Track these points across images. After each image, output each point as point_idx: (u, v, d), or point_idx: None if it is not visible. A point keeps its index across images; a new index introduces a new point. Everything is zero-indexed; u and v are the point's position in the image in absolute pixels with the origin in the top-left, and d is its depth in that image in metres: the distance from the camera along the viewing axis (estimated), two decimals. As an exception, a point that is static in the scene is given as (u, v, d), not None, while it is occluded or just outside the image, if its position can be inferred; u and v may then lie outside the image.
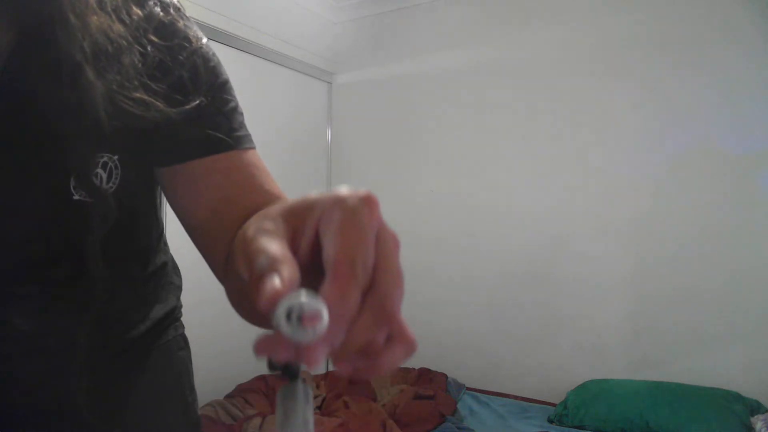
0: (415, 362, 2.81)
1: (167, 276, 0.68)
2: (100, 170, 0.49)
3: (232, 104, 0.57)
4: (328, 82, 3.26)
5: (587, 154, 2.56)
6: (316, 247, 0.29)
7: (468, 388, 2.65)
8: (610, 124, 2.50)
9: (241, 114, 0.58)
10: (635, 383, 2.27)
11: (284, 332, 0.24)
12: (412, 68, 3.01)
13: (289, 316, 0.23)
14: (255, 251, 0.27)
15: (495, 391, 2.65)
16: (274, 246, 0.27)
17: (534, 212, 2.67)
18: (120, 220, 0.50)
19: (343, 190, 0.29)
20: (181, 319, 0.71)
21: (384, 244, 0.27)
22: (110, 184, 0.50)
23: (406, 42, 3.04)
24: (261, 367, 2.62)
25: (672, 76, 2.36)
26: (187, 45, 0.53)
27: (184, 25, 0.54)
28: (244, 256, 0.28)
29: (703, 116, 2.31)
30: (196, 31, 0.56)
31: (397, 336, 0.27)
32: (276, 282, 0.25)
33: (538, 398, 2.56)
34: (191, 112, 0.52)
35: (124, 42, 0.48)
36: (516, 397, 2.57)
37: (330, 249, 0.26)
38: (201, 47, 0.55)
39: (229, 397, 2.35)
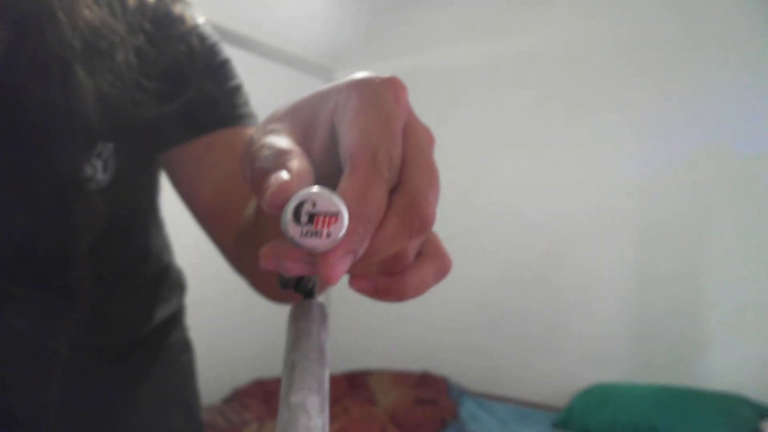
0: (415, 366, 2.78)
1: (171, 276, 0.66)
2: (95, 159, 0.47)
3: (234, 83, 0.56)
4: (328, 79, 3.23)
5: (592, 154, 2.52)
6: (333, 146, 0.23)
7: (470, 393, 2.61)
8: (614, 124, 2.47)
9: (246, 94, 0.57)
10: (642, 387, 2.24)
11: (291, 236, 0.18)
12: (413, 64, 2.98)
13: (298, 214, 0.18)
14: (257, 149, 0.22)
15: (498, 395, 2.61)
16: (279, 140, 0.22)
17: (537, 213, 2.63)
18: (119, 216, 0.49)
19: (362, 73, 0.23)
20: (185, 321, 0.70)
21: (414, 137, 0.22)
22: (106, 175, 0.49)
23: (407, 37, 3.02)
24: (259, 371, 2.59)
25: (679, 74, 2.33)
26: (182, 26, 0.52)
27: (180, 7, 0.53)
28: (247, 158, 0.23)
29: (711, 116, 2.27)
30: (191, 12, 0.54)
31: (428, 252, 0.23)
32: (283, 174, 0.20)
33: (542, 403, 2.52)
34: (189, 97, 0.51)
35: (117, 38, 0.46)
36: (519, 402, 2.53)
37: (346, 139, 0.21)
38: (197, 27, 0.54)
39: (226, 401, 2.34)
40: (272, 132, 0.23)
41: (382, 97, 0.22)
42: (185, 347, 0.69)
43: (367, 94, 0.22)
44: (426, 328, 2.83)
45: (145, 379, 0.61)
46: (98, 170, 0.48)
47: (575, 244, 2.54)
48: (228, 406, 2.25)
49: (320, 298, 0.25)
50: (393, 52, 3.06)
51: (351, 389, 2.58)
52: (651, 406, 2.09)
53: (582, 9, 2.54)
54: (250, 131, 0.54)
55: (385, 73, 0.24)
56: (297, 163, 0.20)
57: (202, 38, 0.54)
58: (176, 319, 0.67)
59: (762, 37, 2.18)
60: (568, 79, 2.57)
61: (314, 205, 0.18)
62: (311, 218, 0.18)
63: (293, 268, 0.20)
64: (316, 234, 0.18)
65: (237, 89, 0.56)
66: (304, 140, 0.24)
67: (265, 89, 2.77)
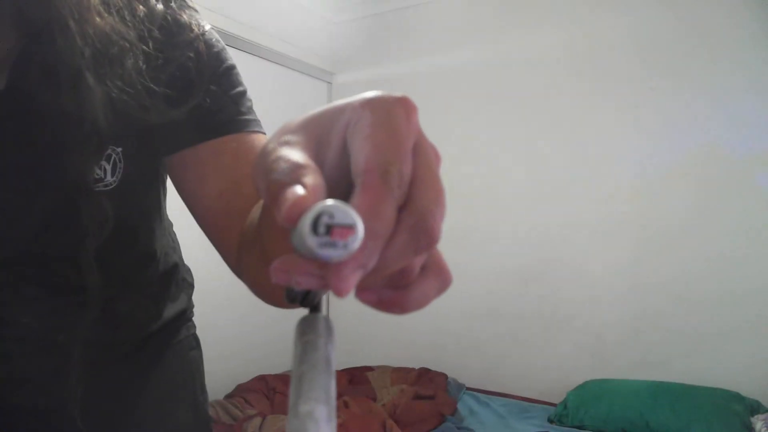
0: (414, 362, 2.81)
1: (179, 274, 0.67)
2: (104, 163, 0.49)
3: (239, 89, 0.56)
4: (328, 82, 3.25)
5: (587, 154, 2.55)
6: (344, 160, 0.24)
7: (468, 388, 2.64)
8: (609, 125, 2.50)
9: (250, 100, 0.58)
10: (635, 383, 2.27)
11: (308, 247, 0.19)
12: (412, 68, 3.01)
13: (316, 225, 0.19)
14: (273, 161, 0.23)
15: (495, 391, 2.64)
16: (295, 154, 0.23)
17: (534, 212, 2.66)
18: (126, 217, 0.50)
19: (374, 92, 0.24)
20: (193, 319, 0.72)
21: (423, 155, 0.23)
22: (114, 178, 0.50)
23: (406, 42, 3.04)
24: (261, 367, 2.62)
25: (671, 78, 2.36)
26: (189, 33, 0.53)
27: (188, 15, 0.54)
28: (261, 169, 0.24)
29: (701, 118, 2.31)
30: (198, 19, 0.55)
31: (431, 267, 0.24)
32: (299, 189, 0.20)
33: (538, 398, 2.55)
34: (195, 103, 0.52)
35: (126, 44, 0.47)
36: (516, 397, 2.57)
37: (358, 156, 0.22)
38: (203, 33, 0.54)
39: (229, 397, 2.35)
40: (287, 144, 0.24)
41: (394, 116, 0.23)
42: (194, 344, 0.70)
43: (380, 113, 0.23)
44: (425, 328, 2.85)
45: (154, 375, 0.63)
46: (107, 173, 0.49)
47: (571, 245, 2.57)
48: (231, 401, 2.26)
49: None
50: (391, 57, 3.08)
51: (351, 385, 2.59)
52: (644, 401, 2.12)
53: (578, 13, 2.56)
54: (255, 137, 0.55)
55: (385, 86, 0.25)
56: (311, 178, 0.21)
57: (208, 45, 0.54)
58: (185, 316, 0.69)
59: (758, 41, 2.21)
60: (566, 83, 2.59)
61: (331, 217, 0.19)
62: (328, 230, 0.19)
63: (304, 282, 0.21)
64: (333, 245, 0.19)
65: (242, 95, 0.56)
66: (317, 153, 0.24)
67: (270, 90, 2.82)
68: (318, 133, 0.25)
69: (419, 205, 0.21)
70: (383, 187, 0.21)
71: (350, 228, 0.19)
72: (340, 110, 0.24)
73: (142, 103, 0.48)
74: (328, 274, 0.20)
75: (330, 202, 0.19)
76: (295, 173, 0.21)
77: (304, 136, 0.25)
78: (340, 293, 0.20)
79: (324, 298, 0.27)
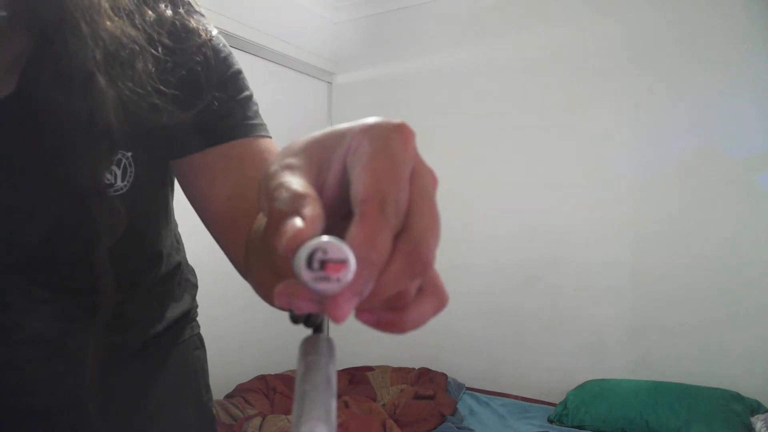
0: (414, 362, 2.82)
1: (182, 275, 0.68)
2: (114, 168, 0.49)
3: (246, 93, 0.57)
4: (328, 82, 3.25)
5: (587, 155, 2.56)
6: (344, 183, 0.25)
7: (468, 388, 2.65)
8: (608, 125, 2.51)
9: (256, 104, 0.58)
10: (635, 383, 2.27)
11: (304, 281, 0.20)
12: (412, 68, 3.02)
13: (310, 261, 0.20)
14: (275, 187, 0.24)
15: (495, 391, 2.65)
16: (296, 182, 0.24)
17: (534, 212, 2.67)
18: (134, 221, 0.50)
19: (374, 118, 0.25)
20: (197, 319, 0.73)
21: (420, 181, 0.24)
22: (125, 182, 0.50)
23: (406, 42, 3.04)
24: (261, 367, 2.62)
25: (669, 79, 2.37)
26: (197, 39, 0.54)
27: (196, 20, 0.55)
28: (264, 192, 0.25)
29: (698, 119, 2.32)
30: (206, 24, 0.56)
31: (428, 288, 0.25)
32: (297, 222, 0.21)
33: (538, 398, 2.56)
34: (203, 107, 0.53)
35: (136, 47, 0.48)
36: (516, 397, 2.57)
37: (357, 185, 0.23)
38: (211, 39, 0.55)
39: (228, 397, 2.35)
40: (289, 168, 0.25)
41: (392, 144, 0.23)
42: (198, 344, 0.71)
43: (378, 141, 0.23)
44: (425, 328, 2.78)
45: (160, 376, 0.63)
46: (118, 178, 0.49)
47: (571, 245, 2.58)
48: (231, 401, 2.26)
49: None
50: (391, 57, 3.09)
51: (351, 385, 2.60)
52: (644, 401, 2.13)
53: (577, 15, 2.57)
54: (261, 142, 0.56)
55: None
56: (310, 209, 0.22)
57: (216, 50, 0.55)
58: (189, 316, 0.69)
59: (754, 43, 2.22)
60: (566, 82, 2.60)
61: (325, 252, 0.20)
62: (322, 265, 0.20)
63: (304, 307, 0.22)
64: (327, 279, 0.20)
65: (249, 99, 0.57)
66: (317, 177, 0.25)
67: (270, 90, 2.82)
68: (319, 157, 0.26)
69: (415, 233, 0.22)
70: (380, 217, 0.22)
71: (343, 263, 0.20)
72: (341, 135, 0.25)
73: (152, 107, 0.48)
74: (326, 301, 0.21)
75: (325, 238, 0.21)
76: (295, 203, 0.22)
77: (306, 160, 0.25)
78: (337, 320, 0.21)
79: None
